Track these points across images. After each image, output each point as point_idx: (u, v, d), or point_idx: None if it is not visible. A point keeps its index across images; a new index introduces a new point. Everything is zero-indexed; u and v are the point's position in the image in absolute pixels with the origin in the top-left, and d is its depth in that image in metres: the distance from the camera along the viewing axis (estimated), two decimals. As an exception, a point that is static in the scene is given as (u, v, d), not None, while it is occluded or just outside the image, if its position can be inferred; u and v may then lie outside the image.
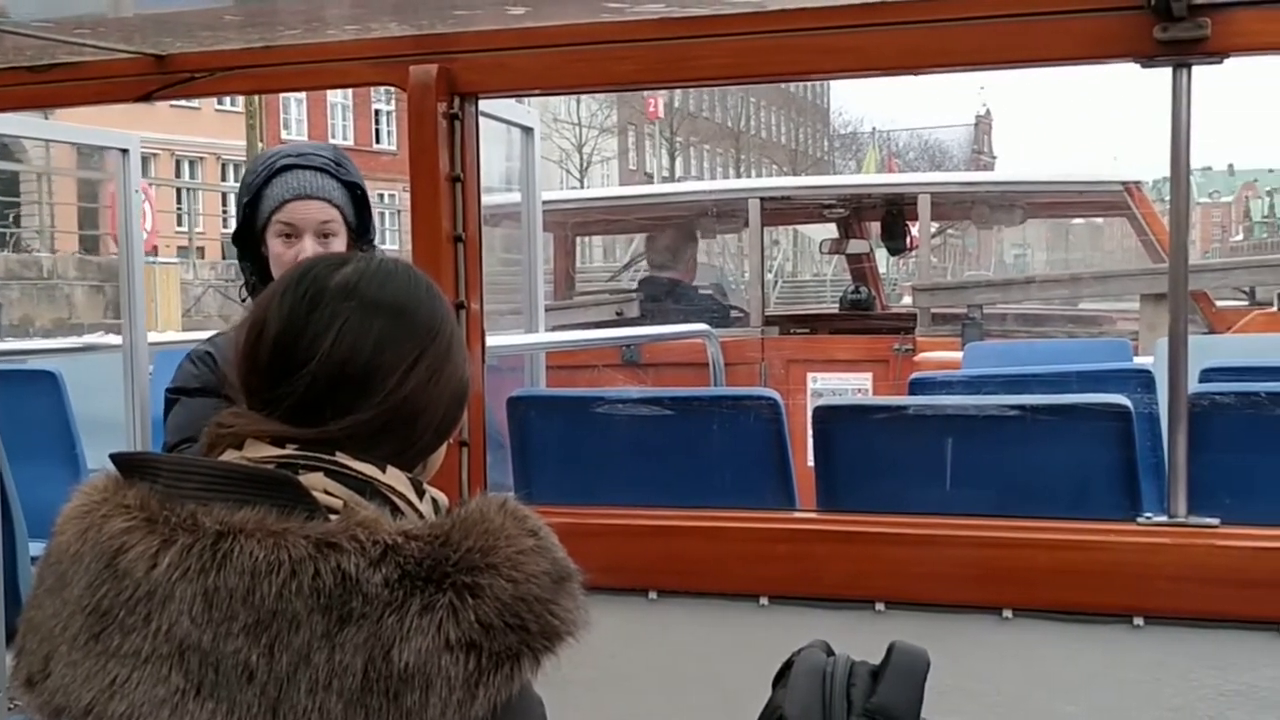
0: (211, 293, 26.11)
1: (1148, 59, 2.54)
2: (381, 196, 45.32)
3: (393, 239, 37.16)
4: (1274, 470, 2.85)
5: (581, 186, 48.51)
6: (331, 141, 44.66)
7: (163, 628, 1.32)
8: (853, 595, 2.68)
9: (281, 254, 2.81)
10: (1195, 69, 2.54)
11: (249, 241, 2.89)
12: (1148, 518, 2.64)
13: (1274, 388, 3.08)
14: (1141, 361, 4.94)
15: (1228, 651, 2.48)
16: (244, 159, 38.62)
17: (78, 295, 23.95)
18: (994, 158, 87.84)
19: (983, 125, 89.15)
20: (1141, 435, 3.01)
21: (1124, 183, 8.06)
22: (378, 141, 47.32)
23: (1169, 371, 2.65)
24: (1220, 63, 2.52)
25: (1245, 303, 7.99)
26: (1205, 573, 2.51)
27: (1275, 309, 7.05)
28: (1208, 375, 3.51)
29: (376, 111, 46.73)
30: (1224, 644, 2.48)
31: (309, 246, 2.79)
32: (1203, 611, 2.49)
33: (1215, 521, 2.55)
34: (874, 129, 72.36)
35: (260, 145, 39.87)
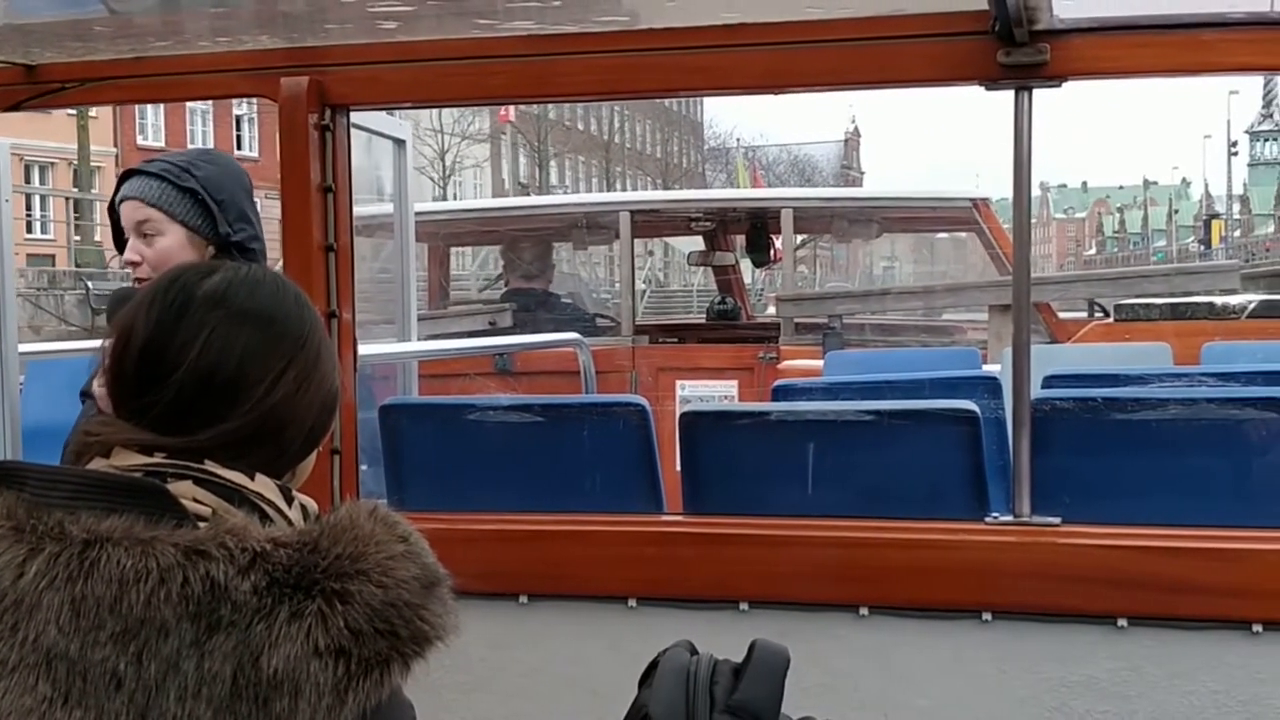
0: (20, 302, 24.77)
1: (992, 82, 2.62)
2: None
3: None
4: (1111, 471, 2.94)
5: (444, 194, 47.81)
6: (191, 148, 43.62)
7: (30, 637, 1.29)
8: (718, 595, 2.71)
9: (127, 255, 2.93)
10: (1037, 92, 2.62)
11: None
12: (995, 517, 2.71)
13: (1110, 394, 3.18)
14: (989, 369, 5.06)
15: (1069, 644, 2.55)
16: (94, 163, 37.42)
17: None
18: (862, 174, 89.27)
19: (851, 142, 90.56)
20: (989, 439, 3.09)
21: (972, 199, 8.26)
22: (239, 148, 45.86)
23: (1014, 379, 2.73)
24: (1059, 86, 2.60)
25: (1085, 314, 8.23)
26: (1048, 569, 2.58)
27: (1111, 320, 7.28)
28: (1050, 382, 3.60)
29: (238, 118, 45.32)
30: (1066, 637, 2.55)
31: (132, 245, 2.86)
32: (1046, 606, 2.57)
33: (1057, 521, 2.63)
34: (739, 140, 72.94)
35: (117, 150, 38.56)
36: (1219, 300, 7.22)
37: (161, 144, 41.42)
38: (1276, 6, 2.47)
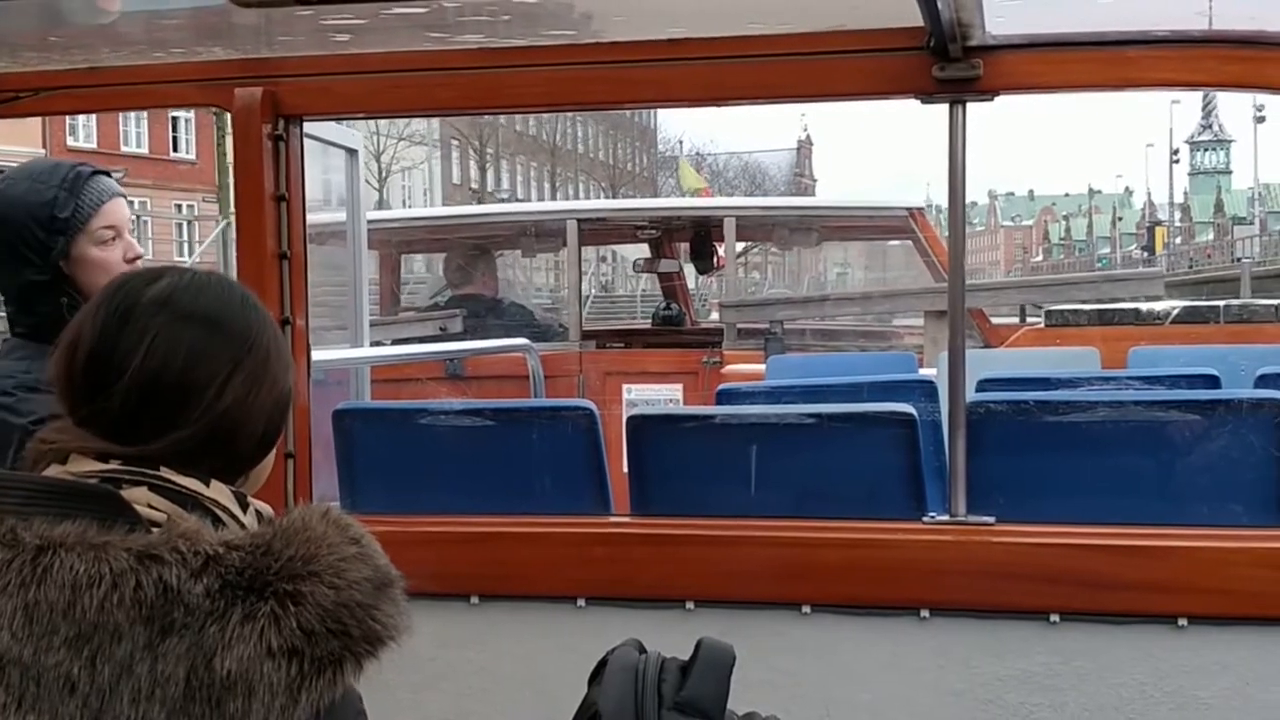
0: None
1: (927, 96, 2.64)
2: (180, 207, 42.82)
3: (191, 250, 35.61)
4: (1043, 472, 2.97)
5: (381, 197, 46.96)
6: (124, 150, 41.74)
7: None
8: (664, 595, 2.70)
9: (106, 259, 2.56)
10: (970, 105, 2.64)
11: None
12: (932, 517, 2.73)
13: (1041, 397, 3.22)
14: (925, 373, 5.10)
15: (1003, 639, 2.57)
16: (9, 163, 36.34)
17: None
18: (814, 181, 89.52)
19: (804, 150, 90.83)
20: (926, 441, 3.11)
21: (908, 208, 8.33)
22: (175, 150, 44.20)
23: (949, 382, 2.74)
24: (991, 100, 2.63)
25: (1017, 319, 8.31)
26: (983, 567, 2.60)
27: (1043, 325, 7.35)
28: (984, 386, 3.63)
29: (174, 119, 43.02)
30: (1000, 633, 2.57)
31: (130, 244, 2.59)
32: (981, 603, 2.58)
33: (991, 520, 2.65)
34: (680, 142, 72.66)
35: (46, 151, 37.25)
36: (1144, 306, 7.32)
37: (93, 145, 39.88)
38: (1214, 24, 2.50)
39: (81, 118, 40.42)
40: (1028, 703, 2.55)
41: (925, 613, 2.60)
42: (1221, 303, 7.26)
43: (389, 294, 9.19)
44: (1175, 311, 7.07)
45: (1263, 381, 3.72)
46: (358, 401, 4.16)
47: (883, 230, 10.37)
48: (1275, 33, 2.52)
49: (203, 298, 1.48)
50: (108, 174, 2.72)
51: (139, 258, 2.61)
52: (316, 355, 3.13)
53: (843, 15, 2.65)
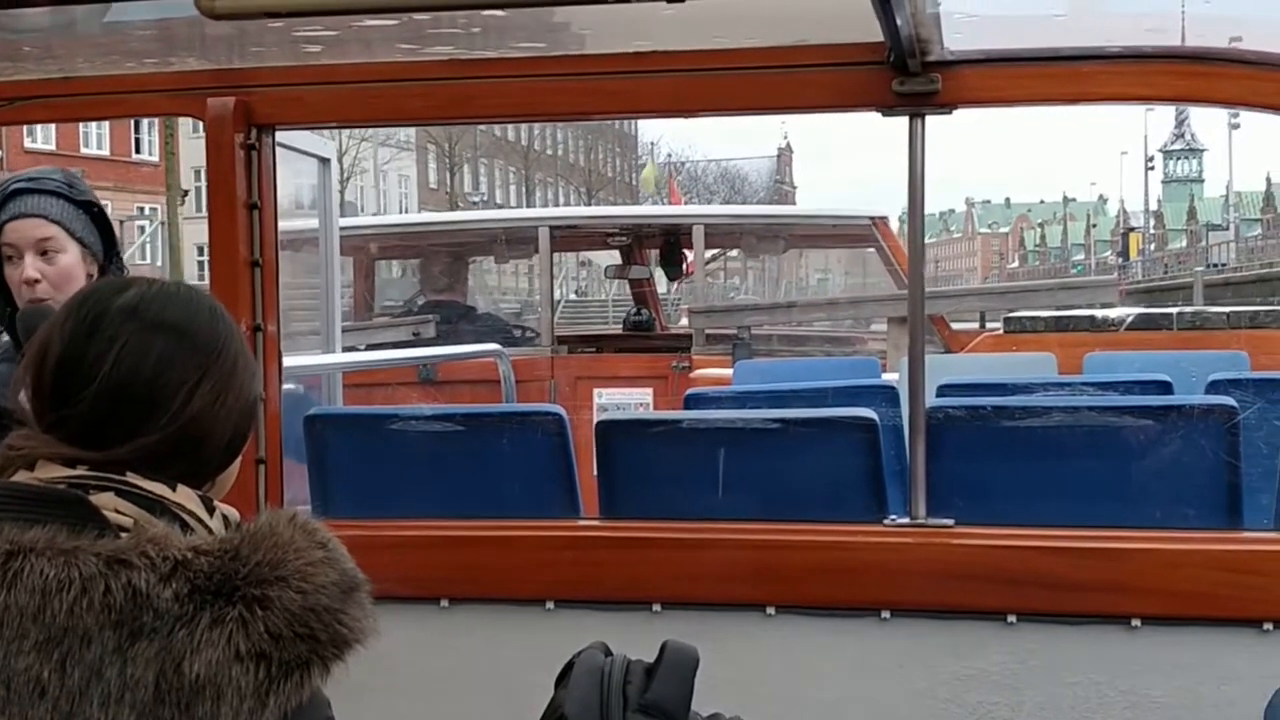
0: None
1: (887, 109, 2.65)
2: (143, 210, 42.30)
3: (155, 254, 35.13)
4: (1000, 475, 2.98)
5: (342, 198, 46.46)
6: (85, 152, 41.03)
7: None
8: (632, 597, 2.70)
9: (10, 277, 2.74)
10: (930, 118, 2.65)
11: None
12: (893, 520, 2.73)
13: (999, 402, 3.24)
14: (888, 378, 5.11)
15: (963, 640, 2.58)
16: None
17: None
18: (794, 188, 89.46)
19: (784, 157, 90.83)
20: (887, 445, 3.12)
21: (871, 217, 8.36)
22: (138, 151, 43.28)
23: (909, 387, 2.76)
24: (949, 113, 2.64)
25: (977, 325, 8.34)
26: (943, 569, 2.61)
27: (1001, 332, 7.39)
28: (944, 391, 3.65)
29: (136, 121, 42.70)
30: (960, 633, 2.58)
31: (30, 264, 2.71)
32: (941, 604, 2.59)
33: (951, 522, 2.65)
34: (653, 144, 72.34)
35: (3, 153, 36.54)
36: (1099, 313, 7.37)
37: (51, 146, 38.97)
38: (1186, 40, 2.53)
39: (40, 117, 39.41)
40: (986, 701, 2.56)
41: (886, 614, 2.60)
42: (1174, 310, 7.32)
43: (362, 300, 9.16)
44: (1130, 318, 7.12)
45: (1213, 387, 3.75)
46: (329, 407, 4.14)
47: (847, 238, 10.42)
48: (1225, 49, 2.55)
49: (170, 307, 1.47)
50: (47, 191, 2.75)
51: (31, 282, 2.70)
52: (288, 361, 3.11)
53: (806, 30, 2.66)
